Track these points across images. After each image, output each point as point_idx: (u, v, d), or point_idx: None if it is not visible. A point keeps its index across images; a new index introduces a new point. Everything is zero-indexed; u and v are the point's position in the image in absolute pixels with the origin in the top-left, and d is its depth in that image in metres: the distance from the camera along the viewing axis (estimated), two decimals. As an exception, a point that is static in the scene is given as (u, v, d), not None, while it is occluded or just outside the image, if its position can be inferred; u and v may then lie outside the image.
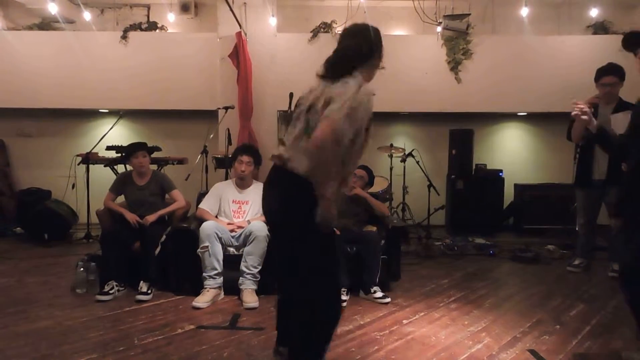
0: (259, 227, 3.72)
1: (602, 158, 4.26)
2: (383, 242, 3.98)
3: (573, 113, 3.19)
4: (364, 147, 2.13)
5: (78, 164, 5.57)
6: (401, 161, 5.92)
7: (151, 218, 3.95)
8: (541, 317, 3.38)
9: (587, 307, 3.60)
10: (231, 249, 3.88)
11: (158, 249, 3.86)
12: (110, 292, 3.66)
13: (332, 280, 2.18)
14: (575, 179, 4.59)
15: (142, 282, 3.72)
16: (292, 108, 2.55)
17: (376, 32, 2.23)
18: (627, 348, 2.86)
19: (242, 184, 4.12)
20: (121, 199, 4.26)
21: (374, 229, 4.05)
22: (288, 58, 6.09)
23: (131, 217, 3.95)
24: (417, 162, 5.80)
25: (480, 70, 6.35)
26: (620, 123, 4.11)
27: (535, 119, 6.97)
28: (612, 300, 3.74)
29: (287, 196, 2.12)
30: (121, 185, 4.21)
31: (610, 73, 4.27)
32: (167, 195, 4.25)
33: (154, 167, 4.72)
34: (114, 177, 4.54)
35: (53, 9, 5.91)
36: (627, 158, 2.78)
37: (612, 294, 3.89)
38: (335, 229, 2.20)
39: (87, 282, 3.81)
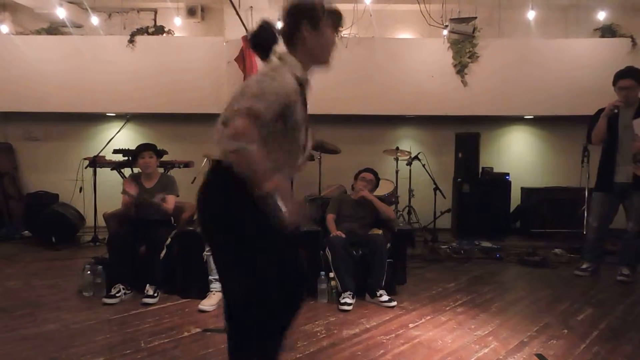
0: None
1: (625, 161, 4.19)
2: (389, 245, 3.97)
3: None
4: (305, 144, 1.90)
5: (85, 168, 5.60)
6: (407, 164, 5.91)
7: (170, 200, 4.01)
8: (548, 321, 3.35)
9: (595, 311, 3.56)
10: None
11: (163, 252, 3.87)
12: (117, 295, 3.68)
13: (257, 284, 1.87)
14: (596, 182, 4.46)
15: (148, 285, 3.73)
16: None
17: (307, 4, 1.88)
18: (636, 353, 2.83)
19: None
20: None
21: (380, 232, 4.04)
22: (294, 61, 6.10)
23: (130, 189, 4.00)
24: (423, 166, 5.79)
25: (486, 74, 6.33)
26: None
27: (542, 122, 6.93)
28: (620, 304, 3.71)
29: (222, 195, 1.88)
30: None
31: (627, 76, 4.20)
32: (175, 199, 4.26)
33: (161, 170, 4.73)
34: (121, 180, 4.56)
35: (61, 13, 5.99)
36: None
37: (620, 299, 3.85)
38: (293, 228, 1.85)
39: (94, 285, 3.83)
